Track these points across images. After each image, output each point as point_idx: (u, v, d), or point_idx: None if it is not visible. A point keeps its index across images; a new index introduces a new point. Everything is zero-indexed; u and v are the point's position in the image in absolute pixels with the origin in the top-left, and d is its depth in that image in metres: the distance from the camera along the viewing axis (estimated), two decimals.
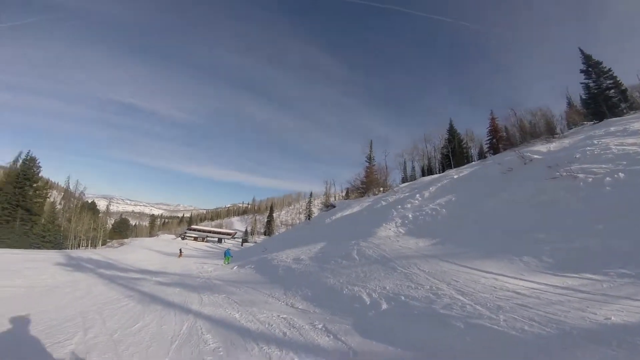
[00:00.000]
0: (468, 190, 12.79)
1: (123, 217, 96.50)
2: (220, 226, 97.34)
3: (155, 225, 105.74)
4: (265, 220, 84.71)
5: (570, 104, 30.60)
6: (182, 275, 11.96)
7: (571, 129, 23.60)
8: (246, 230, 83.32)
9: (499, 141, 31.74)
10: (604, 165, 8.27)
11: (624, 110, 21.40)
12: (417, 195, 14.65)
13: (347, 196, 48.95)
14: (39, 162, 36.25)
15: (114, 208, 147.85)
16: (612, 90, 23.38)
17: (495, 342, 3.07)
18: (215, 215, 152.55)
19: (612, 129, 12.23)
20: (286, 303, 6.13)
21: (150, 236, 76.69)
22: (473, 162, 29.83)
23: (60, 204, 52.72)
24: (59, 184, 74.26)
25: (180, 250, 32.37)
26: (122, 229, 70.24)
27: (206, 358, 3.50)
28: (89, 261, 15.51)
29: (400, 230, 11.25)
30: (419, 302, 4.62)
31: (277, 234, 58.45)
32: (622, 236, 5.18)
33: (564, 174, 8.79)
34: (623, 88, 23.34)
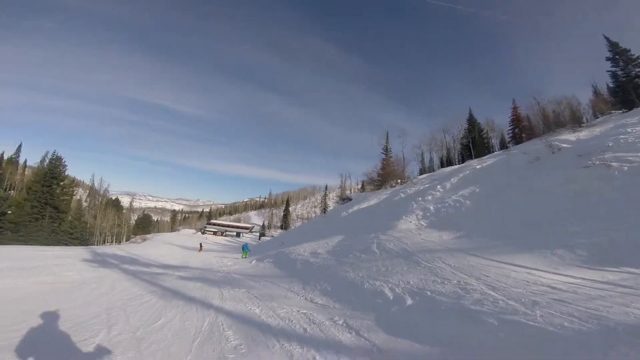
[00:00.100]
0: (492, 180, 12.34)
1: (145, 213, 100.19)
2: (238, 220, 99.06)
3: (177, 221, 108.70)
4: (282, 214, 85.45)
5: (596, 93, 29.32)
6: (202, 269, 12.16)
7: (598, 117, 22.71)
8: (263, 224, 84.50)
9: (522, 130, 31.03)
10: (639, 154, 7.82)
11: None
12: (438, 186, 14.25)
13: (362, 189, 48.61)
14: (65, 161, 37.94)
15: (136, 204, 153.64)
16: None
17: (532, 339, 2.88)
18: (233, 209, 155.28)
19: None
20: (305, 298, 6.05)
21: (171, 231, 79.10)
22: (495, 152, 29.08)
23: (85, 201, 55.24)
24: (84, 181, 77.33)
25: (201, 244, 33.17)
26: (145, 225, 72.98)
27: (228, 356, 3.43)
28: (113, 257, 16.05)
29: (422, 222, 10.97)
30: (446, 298, 4.41)
31: (293, 227, 58.99)
32: None
33: (597, 162, 8.33)
34: None
